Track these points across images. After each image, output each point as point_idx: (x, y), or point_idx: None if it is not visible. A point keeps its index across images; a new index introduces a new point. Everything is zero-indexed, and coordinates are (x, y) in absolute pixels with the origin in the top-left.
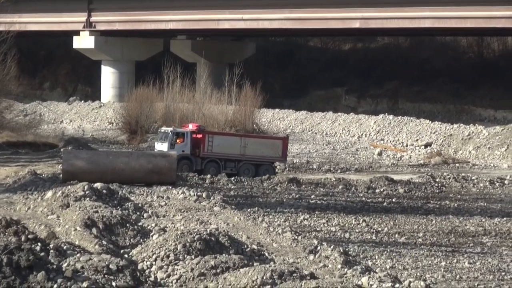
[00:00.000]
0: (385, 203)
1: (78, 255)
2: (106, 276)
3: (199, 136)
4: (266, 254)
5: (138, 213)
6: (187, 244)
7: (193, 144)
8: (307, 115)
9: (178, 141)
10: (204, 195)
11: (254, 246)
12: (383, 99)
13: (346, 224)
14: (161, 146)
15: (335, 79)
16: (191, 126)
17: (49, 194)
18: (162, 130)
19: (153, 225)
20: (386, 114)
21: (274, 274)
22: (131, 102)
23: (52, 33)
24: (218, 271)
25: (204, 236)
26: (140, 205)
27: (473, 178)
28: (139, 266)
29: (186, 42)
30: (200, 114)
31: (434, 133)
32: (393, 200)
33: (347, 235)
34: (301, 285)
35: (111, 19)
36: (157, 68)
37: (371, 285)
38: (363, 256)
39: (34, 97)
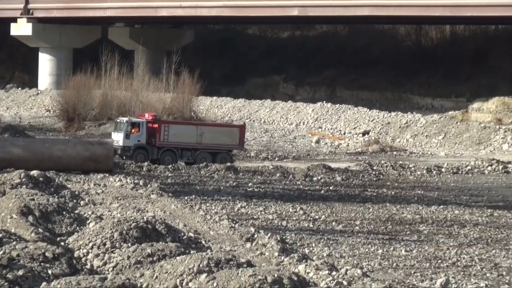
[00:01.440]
0: (322, 191)
1: (14, 243)
2: (42, 264)
3: (155, 125)
4: (203, 242)
5: (74, 200)
6: (124, 232)
7: (149, 134)
8: (245, 102)
9: (133, 131)
10: (141, 182)
11: (191, 234)
12: (321, 87)
13: (283, 212)
14: (117, 136)
15: (273, 67)
16: (147, 116)
17: None
18: (118, 120)
19: (89, 212)
20: (324, 102)
21: (210, 262)
22: (69, 89)
23: None
24: (154, 259)
25: (140, 224)
26: (77, 192)
27: (410, 166)
28: (76, 254)
29: (124, 30)
30: (138, 101)
31: (372, 121)
32: (331, 188)
33: (284, 223)
34: (238, 273)
35: (49, 6)
36: (95, 55)
37: (308, 273)
38: (300, 244)
39: None
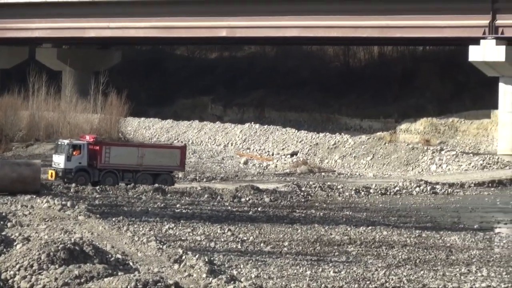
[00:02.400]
0: (250, 212)
1: None
2: None
3: (96, 147)
4: (131, 264)
5: (1, 222)
6: (51, 253)
7: (90, 156)
8: (173, 123)
9: (75, 153)
10: (68, 204)
11: (119, 256)
12: (250, 108)
13: (212, 233)
14: (58, 159)
15: (201, 88)
16: (87, 138)
17: None
18: (59, 142)
19: (16, 234)
20: (252, 123)
21: (138, 284)
22: None
23: None
24: (82, 280)
25: (68, 245)
26: (4, 214)
27: (338, 187)
28: (2, 276)
29: (51, 50)
30: (66, 122)
31: (300, 142)
32: (259, 209)
33: (212, 244)
34: None
35: None
36: (22, 76)
37: None
38: (228, 265)
39: None
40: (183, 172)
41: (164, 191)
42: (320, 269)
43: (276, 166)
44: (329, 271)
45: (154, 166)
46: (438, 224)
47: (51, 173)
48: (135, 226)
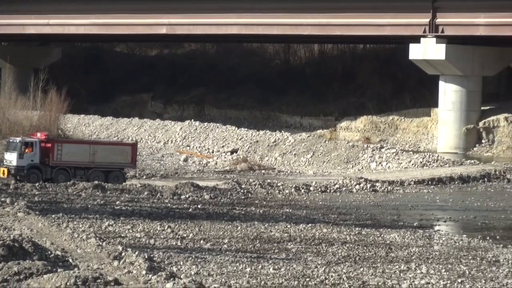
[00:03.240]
0: (190, 209)
1: None
2: None
3: (49, 145)
4: (70, 260)
5: None
6: None
7: (42, 153)
8: (113, 121)
9: (27, 150)
10: (7, 200)
11: (58, 252)
12: (190, 105)
13: (151, 230)
14: (10, 156)
15: (141, 85)
16: (39, 135)
17: None
18: (11, 140)
19: None
20: (192, 120)
21: (78, 280)
22: None
23: None
24: (21, 277)
25: (7, 242)
26: None
27: (278, 184)
28: None
29: None
30: (5, 119)
31: (240, 139)
32: (199, 206)
33: (152, 241)
34: None
35: None
36: None
37: None
38: (168, 262)
39: None
40: (135, 169)
41: (104, 188)
42: (260, 266)
43: (216, 164)
44: (269, 268)
45: (106, 163)
46: (377, 221)
47: (3, 171)
48: (75, 223)
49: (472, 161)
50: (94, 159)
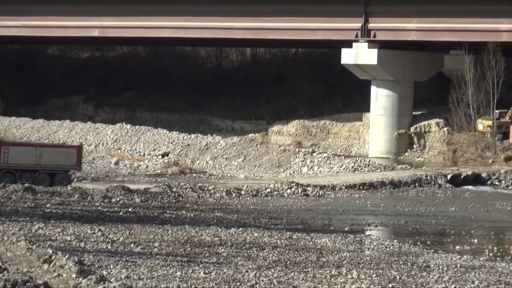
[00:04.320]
0: (121, 213)
1: None
2: None
3: None
4: (0, 263)
5: None
6: None
7: None
8: (44, 123)
9: None
10: None
11: None
12: (121, 108)
13: (82, 234)
14: None
15: (73, 88)
16: None
17: None
18: None
19: None
20: (124, 123)
21: (7, 284)
22: None
23: None
24: None
25: None
26: None
27: (210, 188)
28: None
29: None
30: None
31: (171, 143)
32: (130, 209)
33: (82, 244)
34: None
35: None
36: None
37: None
38: (98, 266)
39: None
40: (80, 172)
41: (34, 191)
42: (191, 270)
43: (147, 167)
44: (200, 272)
45: (51, 165)
46: (309, 226)
47: None
48: (5, 225)
49: (404, 166)
50: (40, 162)
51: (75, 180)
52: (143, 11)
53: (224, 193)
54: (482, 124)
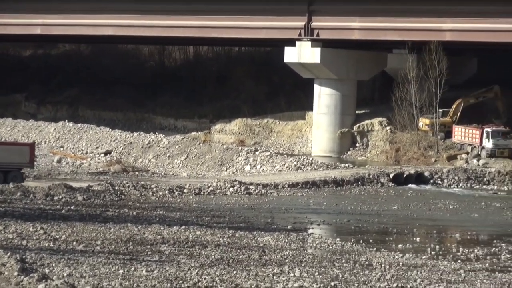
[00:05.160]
0: (63, 211)
1: None
2: None
3: None
4: None
5: None
6: None
7: None
8: None
9: None
10: None
11: None
12: (64, 106)
13: (24, 232)
14: None
15: (15, 85)
16: None
17: None
18: None
19: None
20: (66, 121)
21: None
22: None
23: None
24: None
25: None
26: None
27: (152, 186)
28: None
29: None
30: None
31: (114, 141)
32: (72, 207)
33: (24, 242)
34: None
35: None
36: None
37: None
38: (40, 264)
39: None
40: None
41: None
42: (133, 268)
43: (89, 165)
44: (142, 270)
45: (5, 163)
46: (251, 224)
47: None
48: None
49: (346, 164)
50: None
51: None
52: (86, 9)
53: (166, 192)
54: (422, 122)
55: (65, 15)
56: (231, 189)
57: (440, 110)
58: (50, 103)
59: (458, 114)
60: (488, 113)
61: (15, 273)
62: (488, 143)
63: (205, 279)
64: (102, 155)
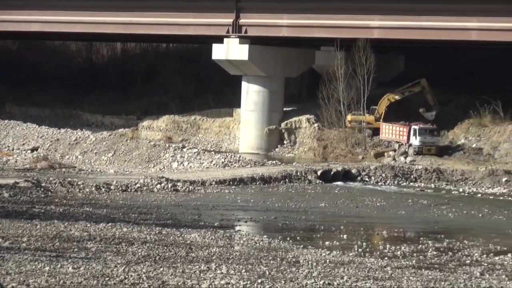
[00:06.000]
0: None
1: None
2: None
3: None
4: None
5: None
6: None
7: None
8: None
9: None
10: None
11: None
12: None
13: None
14: None
15: None
16: None
17: None
18: None
19: None
20: None
21: None
22: None
23: None
24: None
25: None
26: None
27: (79, 183)
28: None
29: None
30: None
31: (41, 137)
32: None
33: None
34: None
35: None
36: None
37: None
38: None
39: None
40: None
41: None
42: (59, 265)
43: (16, 161)
44: (68, 267)
45: None
46: (178, 221)
47: None
48: None
49: (274, 161)
50: None
51: None
52: (13, 5)
53: (93, 188)
54: (354, 121)
55: None
56: (158, 186)
57: (373, 107)
58: None
59: (383, 111)
60: (417, 109)
61: None
62: (415, 141)
63: (131, 276)
64: (29, 151)
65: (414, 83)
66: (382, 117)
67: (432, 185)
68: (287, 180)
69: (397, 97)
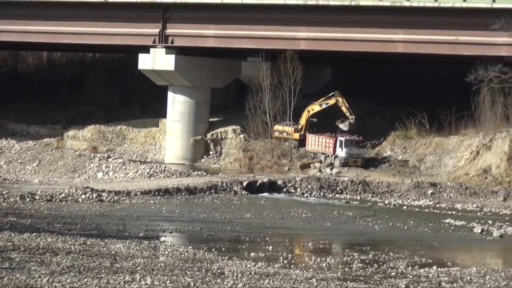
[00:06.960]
0: None
1: None
2: None
3: None
4: None
5: None
6: None
7: None
8: None
9: None
10: None
11: None
12: None
13: None
14: None
15: None
16: None
17: None
18: None
19: None
20: None
21: None
22: None
23: None
24: None
25: None
26: None
27: (3, 192)
28: None
29: None
30: None
31: None
32: None
33: None
34: None
35: None
36: None
37: None
38: None
39: None
40: None
41: None
42: None
43: None
44: None
45: None
46: (103, 231)
47: None
48: None
49: (200, 172)
50: None
51: None
52: None
53: (18, 198)
54: (278, 131)
55: None
56: (83, 196)
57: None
58: None
59: (305, 123)
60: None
61: None
62: (341, 152)
63: (55, 286)
64: None
65: (329, 96)
66: (304, 128)
67: (358, 197)
68: (212, 191)
69: (315, 109)
